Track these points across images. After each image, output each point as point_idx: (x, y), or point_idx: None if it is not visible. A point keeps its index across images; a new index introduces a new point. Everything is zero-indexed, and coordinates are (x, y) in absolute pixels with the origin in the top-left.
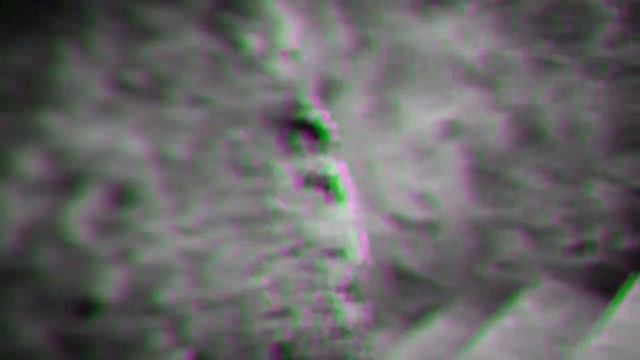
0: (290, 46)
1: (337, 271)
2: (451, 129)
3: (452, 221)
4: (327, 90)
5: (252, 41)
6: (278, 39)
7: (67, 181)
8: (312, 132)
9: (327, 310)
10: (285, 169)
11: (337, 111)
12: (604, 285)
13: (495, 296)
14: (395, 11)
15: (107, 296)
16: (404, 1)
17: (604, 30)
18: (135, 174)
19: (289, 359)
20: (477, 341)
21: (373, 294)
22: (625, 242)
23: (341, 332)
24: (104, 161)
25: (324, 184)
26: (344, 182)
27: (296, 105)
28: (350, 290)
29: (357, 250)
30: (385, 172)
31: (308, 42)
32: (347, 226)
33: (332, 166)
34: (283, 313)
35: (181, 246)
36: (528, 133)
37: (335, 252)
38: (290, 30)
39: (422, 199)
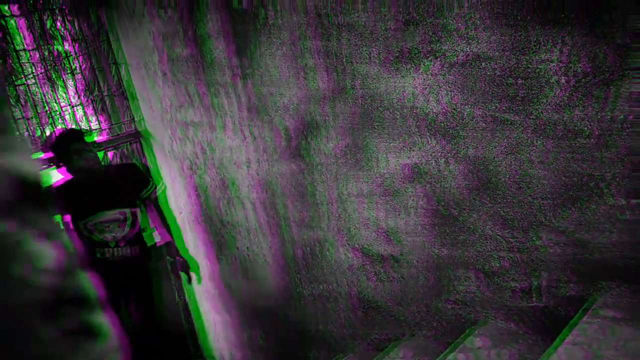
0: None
1: None
2: (415, 174)
3: (414, 258)
4: (307, 130)
5: None
6: None
7: None
8: None
9: None
10: None
11: (315, 149)
12: (548, 327)
13: (451, 331)
14: (369, 64)
15: None
16: (377, 56)
17: (552, 95)
18: None
19: None
20: None
21: (341, 322)
22: (568, 289)
23: None
24: None
25: None
26: None
27: None
28: None
29: None
30: (356, 208)
31: (291, 86)
32: None
33: None
34: None
35: None
36: (482, 182)
37: None
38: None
39: (388, 235)
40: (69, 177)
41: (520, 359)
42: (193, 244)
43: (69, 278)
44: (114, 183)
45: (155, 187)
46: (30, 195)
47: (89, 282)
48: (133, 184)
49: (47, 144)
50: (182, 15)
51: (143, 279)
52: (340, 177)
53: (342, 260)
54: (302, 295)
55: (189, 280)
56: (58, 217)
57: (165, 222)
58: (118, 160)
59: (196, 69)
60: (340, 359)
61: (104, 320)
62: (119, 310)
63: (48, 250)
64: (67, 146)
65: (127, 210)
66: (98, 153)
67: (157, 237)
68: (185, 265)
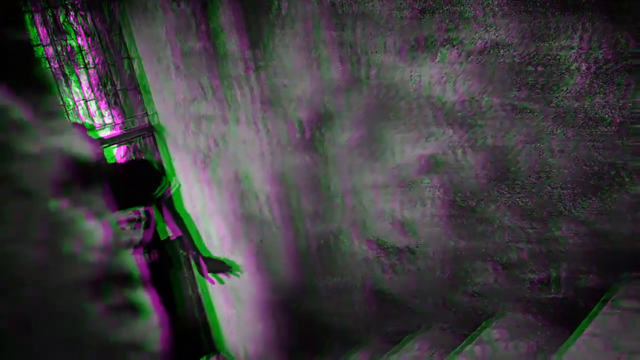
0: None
1: None
2: (431, 164)
3: (430, 250)
4: (321, 121)
5: None
6: None
7: None
8: None
9: None
10: None
11: (329, 141)
12: (567, 319)
13: (467, 323)
14: (384, 54)
15: None
16: (392, 46)
17: (573, 82)
18: None
19: None
20: None
21: (356, 314)
22: (588, 280)
23: None
24: None
25: None
26: None
27: None
28: None
29: None
30: (371, 200)
31: (305, 78)
32: None
33: None
34: None
35: None
36: (501, 172)
37: None
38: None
39: (404, 227)
40: None
41: (538, 350)
42: (207, 237)
43: (114, 256)
44: (125, 180)
45: (170, 185)
46: (82, 175)
47: (132, 262)
48: (145, 180)
49: None
50: (194, 8)
51: (163, 286)
52: (355, 169)
53: (356, 253)
54: (316, 288)
55: (222, 281)
56: None
57: (180, 221)
58: (131, 154)
59: (209, 62)
60: (355, 351)
61: (146, 298)
62: None
63: (97, 229)
64: None
65: (141, 210)
66: (106, 149)
67: (170, 232)
68: (221, 266)
